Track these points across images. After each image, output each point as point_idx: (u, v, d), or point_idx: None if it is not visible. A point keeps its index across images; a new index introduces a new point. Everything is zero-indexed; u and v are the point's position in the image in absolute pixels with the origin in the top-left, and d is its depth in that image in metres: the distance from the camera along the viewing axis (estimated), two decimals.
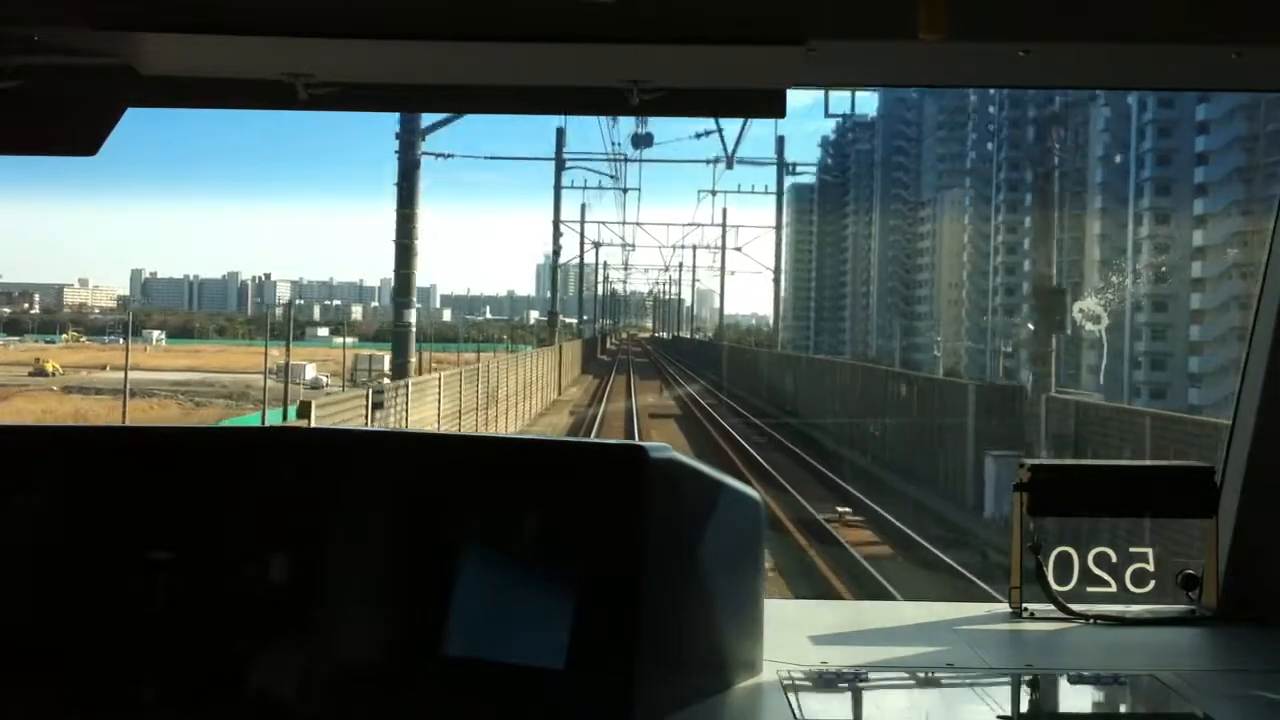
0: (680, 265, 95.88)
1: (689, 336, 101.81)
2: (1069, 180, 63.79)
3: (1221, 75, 3.20)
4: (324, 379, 59.62)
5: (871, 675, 2.99)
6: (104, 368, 67.24)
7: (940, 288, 78.45)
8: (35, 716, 2.71)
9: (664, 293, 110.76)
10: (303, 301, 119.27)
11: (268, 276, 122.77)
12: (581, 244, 67.67)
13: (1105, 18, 2.69)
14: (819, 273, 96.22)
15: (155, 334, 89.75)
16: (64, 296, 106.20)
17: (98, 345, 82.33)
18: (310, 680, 2.72)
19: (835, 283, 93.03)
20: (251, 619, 2.76)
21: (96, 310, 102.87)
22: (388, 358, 64.21)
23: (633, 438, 29.68)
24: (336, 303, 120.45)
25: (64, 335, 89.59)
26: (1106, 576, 3.68)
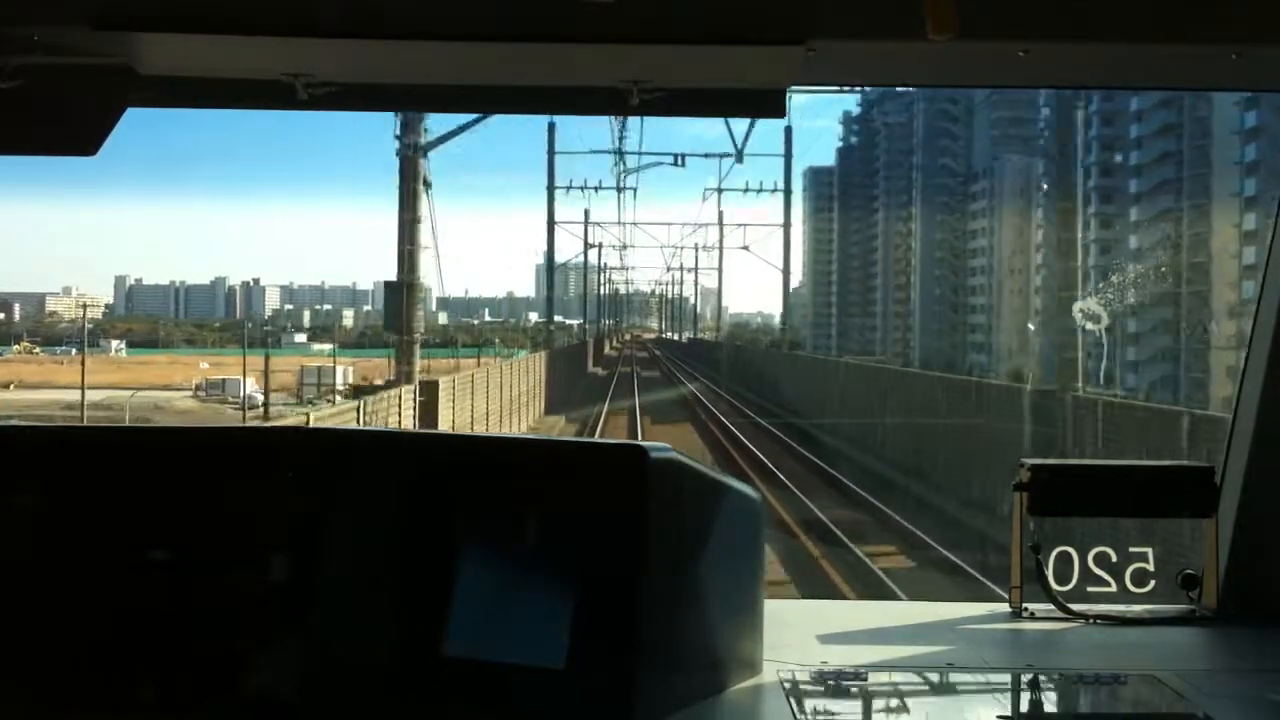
0: (697, 246, 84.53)
1: (711, 338, 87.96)
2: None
3: (1221, 75, 3.20)
4: (260, 396, 51.50)
5: (872, 675, 2.99)
6: (9, 386, 61.69)
7: (1001, 276, 64.23)
8: (34, 717, 2.71)
9: (673, 283, 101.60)
10: (292, 306, 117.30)
11: (256, 281, 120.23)
12: (552, 173, 52.40)
13: (1105, 18, 2.69)
14: (842, 266, 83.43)
15: (115, 344, 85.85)
16: (45, 305, 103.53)
17: (48, 357, 78.46)
18: (310, 680, 2.72)
19: (864, 274, 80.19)
20: (251, 619, 2.76)
21: (65, 320, 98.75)
22: (342, 369, 54.52)
23: None
24: (327, 307, 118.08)
25: (16, 346, 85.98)
26: (1106, 576, 3.68)
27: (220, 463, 2.91)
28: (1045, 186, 62.48)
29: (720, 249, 74.51)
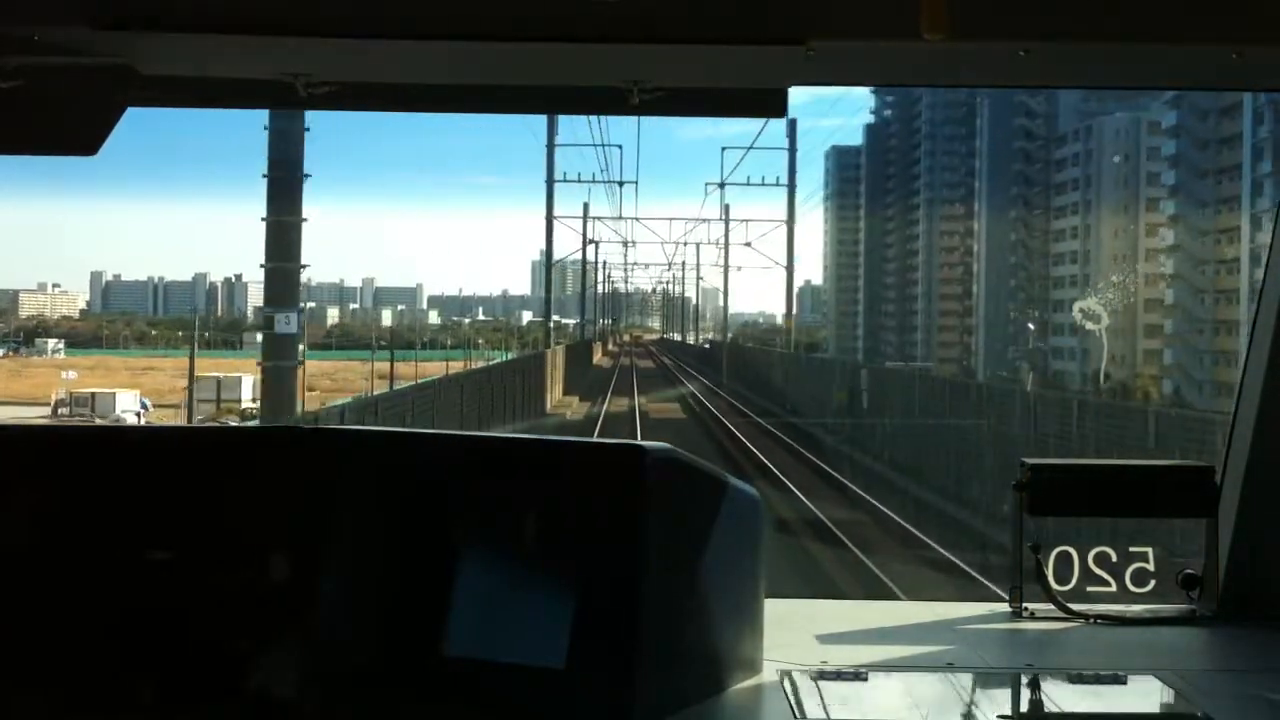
0: (725, 216, 73.41)
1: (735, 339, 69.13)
2: None
3: (1221, 75, 3.21)
4: (132, 417, 43.06)
5: (872, 674, 2.99)
6: None
7: (1100, 263, 51.05)
8: (34, 716, 2.71)
9: (686, 268, 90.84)
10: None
11: (239, 277, 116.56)
12: None
13: (1105, 18, 2.70)
14: (869, 260, 72.38)
15: (51, 343, 79.11)
16: (18, 302, 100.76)
17: None
18: (309, 680, 2.72)
19: (902, 267, 68.74)
20: (251, 619, 2.76)
21: (21, 318, 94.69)
22: (249, 380, 40.48)
23: None
24: (311, 305, 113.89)
25: None
26: (1106, 576, 3.68)
27: (220, 462, 2.92)
28: (1169, 145, 47.72)
29: (791, 201, 54.81)
